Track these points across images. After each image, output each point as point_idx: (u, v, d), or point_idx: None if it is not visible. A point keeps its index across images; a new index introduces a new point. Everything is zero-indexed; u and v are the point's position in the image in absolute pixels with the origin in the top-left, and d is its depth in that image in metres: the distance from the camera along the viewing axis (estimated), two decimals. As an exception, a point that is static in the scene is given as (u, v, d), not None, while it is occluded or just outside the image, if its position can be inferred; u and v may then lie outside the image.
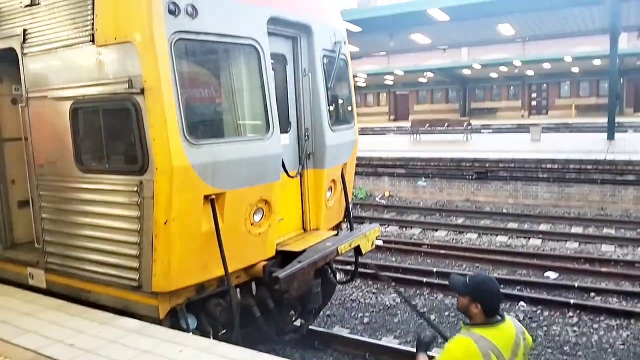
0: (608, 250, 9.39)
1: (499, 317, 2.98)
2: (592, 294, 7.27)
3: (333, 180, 5.77)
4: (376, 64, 48.69)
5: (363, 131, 32.06)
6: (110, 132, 4.17)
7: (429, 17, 16.70)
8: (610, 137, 17.58)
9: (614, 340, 5.91)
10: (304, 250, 4.88)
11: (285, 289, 4.30)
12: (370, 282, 8.22)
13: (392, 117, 48.19)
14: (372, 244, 5.97)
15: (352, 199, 14.66)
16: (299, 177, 5.38)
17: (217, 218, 3.98)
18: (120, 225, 4.03)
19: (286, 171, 4.90)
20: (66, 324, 3.80)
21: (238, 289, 4.53)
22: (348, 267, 8.34)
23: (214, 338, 4.14)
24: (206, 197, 3.95)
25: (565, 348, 5.82)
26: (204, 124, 4.25)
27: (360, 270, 8.43)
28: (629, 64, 34.92)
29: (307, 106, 5.47)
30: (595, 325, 6.31)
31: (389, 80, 44.46)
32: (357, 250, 5.59)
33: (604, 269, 8.20)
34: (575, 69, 37.48)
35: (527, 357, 3.10)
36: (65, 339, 3.49)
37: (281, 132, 4.71)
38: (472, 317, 3.02)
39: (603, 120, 20.38)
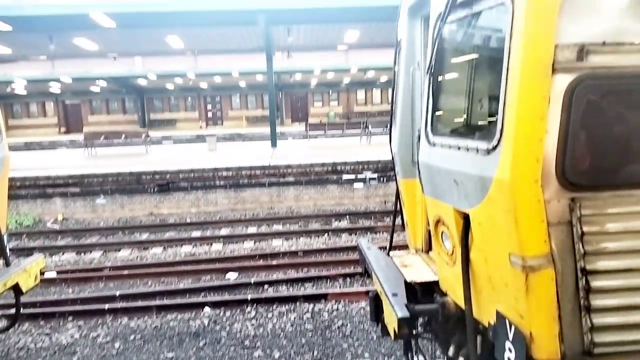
0: (277, 244, 10.69)
1: None
2: (266, 286, 8.12)
3: (-26, 210, 4.72)
4: (38, 69, 42.87)
5: (29, 146, 27.80)
6: None
7: (93, 22, 15.64)
8: (274, 144, 20.14)
9: (284, 325, 6.72)
10: None
11: None
12: (42, 322, 7.12)
13: (62, 129, 43.39)
14: (36, 279, 5.16)
15: (14, 227, 12.57)
16: None
17: None
18: None
19: None
20: None
21: None
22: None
23: None
24: None
25: (245, 342, 6.29)
26: None
27: (30, 310, 7.31)
28: (284, 80, 40.84)
29: None
30: (270, 315, 7.05)
31: (55, 88, 39.87)
32: (17, 289, 4.73)
33: (274, 262, 9.29)
34: (242, 83, 41.55)
35: None
36: None
37: None
38: None
39: (269, 129, 23.19)
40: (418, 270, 4.03)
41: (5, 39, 18.06)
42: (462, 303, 3.32)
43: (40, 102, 43.15)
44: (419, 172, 4.09)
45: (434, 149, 3.40)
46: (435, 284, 3.80)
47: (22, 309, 5.34)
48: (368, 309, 6.84)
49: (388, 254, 4.69)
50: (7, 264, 5.12)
